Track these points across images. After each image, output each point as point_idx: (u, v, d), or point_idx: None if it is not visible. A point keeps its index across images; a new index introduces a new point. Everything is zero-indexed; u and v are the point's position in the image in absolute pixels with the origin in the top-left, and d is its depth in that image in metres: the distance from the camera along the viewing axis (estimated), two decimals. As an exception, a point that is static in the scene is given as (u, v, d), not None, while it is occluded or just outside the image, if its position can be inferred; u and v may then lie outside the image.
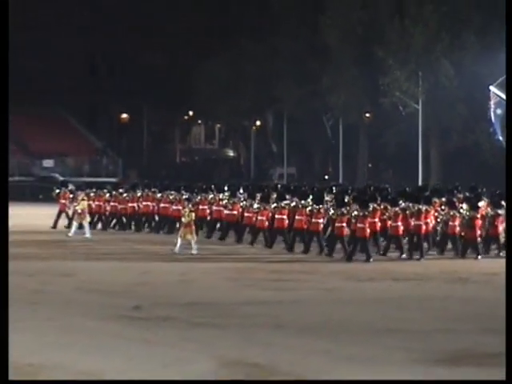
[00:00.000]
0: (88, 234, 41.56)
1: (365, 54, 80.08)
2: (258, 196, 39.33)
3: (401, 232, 34.25)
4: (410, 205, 34.64)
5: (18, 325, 18.37)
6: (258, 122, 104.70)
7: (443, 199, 36.88)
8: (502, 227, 34.58)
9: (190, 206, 38.53)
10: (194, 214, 35.85)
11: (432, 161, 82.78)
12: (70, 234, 41.99)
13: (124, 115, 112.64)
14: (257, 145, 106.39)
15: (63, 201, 45.96)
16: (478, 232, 34.45)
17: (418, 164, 78.85)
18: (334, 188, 41.83)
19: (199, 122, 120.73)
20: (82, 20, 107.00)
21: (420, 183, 67.45)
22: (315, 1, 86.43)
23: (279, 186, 46.91)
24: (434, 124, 78.44)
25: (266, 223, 37.59)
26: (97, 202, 45.89)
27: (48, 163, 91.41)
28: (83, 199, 43.40)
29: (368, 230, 33.27)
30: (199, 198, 42.92)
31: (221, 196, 41.87)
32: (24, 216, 50.61)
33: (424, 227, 34.29)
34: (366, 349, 16.47)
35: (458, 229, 34.73)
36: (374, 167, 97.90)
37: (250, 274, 28.63)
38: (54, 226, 45.88)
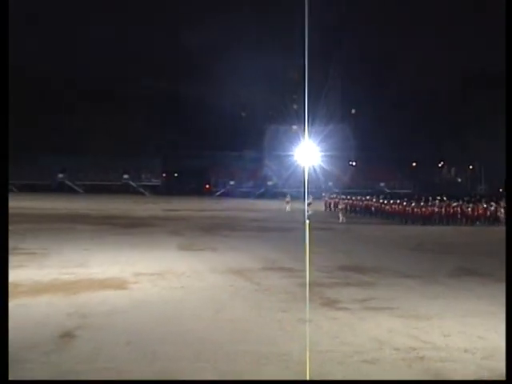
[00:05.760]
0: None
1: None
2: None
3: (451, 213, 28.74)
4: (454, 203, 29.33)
5: (343, 250, 17.64)
6: (471, 167, 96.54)
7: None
8: (489, 212, 28.86)
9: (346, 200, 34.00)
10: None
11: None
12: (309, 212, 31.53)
13: (414, 163, 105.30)
14: (469, 175, 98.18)
15: (326, 198, 38.62)
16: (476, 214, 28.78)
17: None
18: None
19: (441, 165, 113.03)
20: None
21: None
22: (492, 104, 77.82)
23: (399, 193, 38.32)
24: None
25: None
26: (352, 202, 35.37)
27: (381, 184, 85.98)
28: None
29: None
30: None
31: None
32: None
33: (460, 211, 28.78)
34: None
35: (470, 213, 28.82)
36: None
37: (462, 231, 25.89)
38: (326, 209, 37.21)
